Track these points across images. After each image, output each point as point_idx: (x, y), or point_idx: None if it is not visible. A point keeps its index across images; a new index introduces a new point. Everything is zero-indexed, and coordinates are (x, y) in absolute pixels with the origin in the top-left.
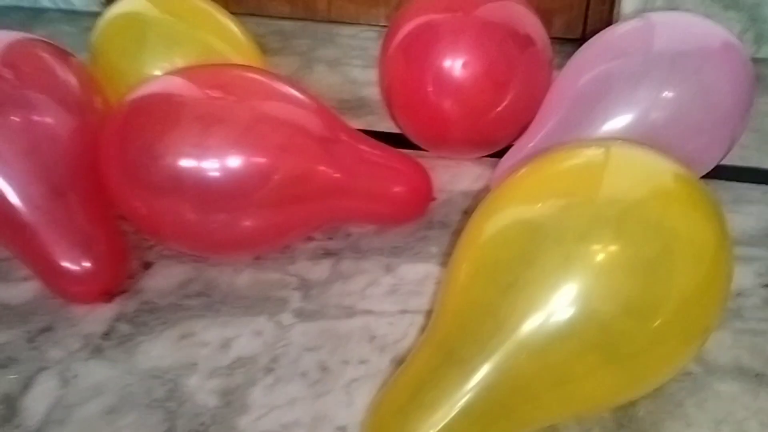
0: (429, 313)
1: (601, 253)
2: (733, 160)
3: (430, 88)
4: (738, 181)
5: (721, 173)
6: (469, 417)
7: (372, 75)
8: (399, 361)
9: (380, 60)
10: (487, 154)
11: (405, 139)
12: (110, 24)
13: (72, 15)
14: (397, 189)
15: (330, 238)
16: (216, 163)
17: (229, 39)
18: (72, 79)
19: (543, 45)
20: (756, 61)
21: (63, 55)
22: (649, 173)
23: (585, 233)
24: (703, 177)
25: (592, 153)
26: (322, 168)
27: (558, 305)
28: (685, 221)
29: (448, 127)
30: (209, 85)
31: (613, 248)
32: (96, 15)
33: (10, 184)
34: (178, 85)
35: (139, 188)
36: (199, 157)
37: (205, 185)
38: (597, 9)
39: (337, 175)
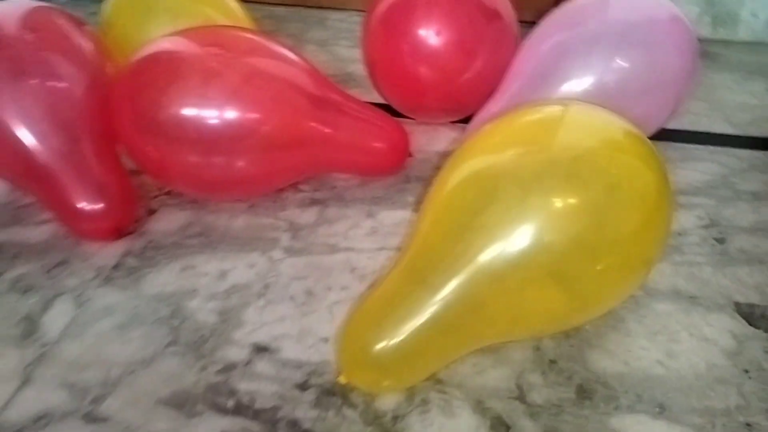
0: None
1: (554, 193)
2: (685, 125)
3: (406, 57)
4: (688, 143)
5: (674, 136)
6: (431, 330)
7: (358, 54)
8: None
9: (363, 34)
10: (459, 119)
11: (388, 109)
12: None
13: (78, 1)
14: (377, 144)
15: (317, 190)
16: (214, 112)
17: (228, 12)
18: (85, 43)
19: (509, 19)
20: (712, 42)
21: (77, 22)
22: (601, 127)
23: (540, 174)
24: (660, 139)
25: (550, 110)
26: (309, 120)
27: (515, 237)
28: (630, 169)
29: (423, 92)
30: (209, 43)
31: (565, 188)
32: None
33: (32, 135)
34: (180, 43)
35: (147, 135)
36: (199, 106)
37: (205, 131)
38: None
39: (323, 128)
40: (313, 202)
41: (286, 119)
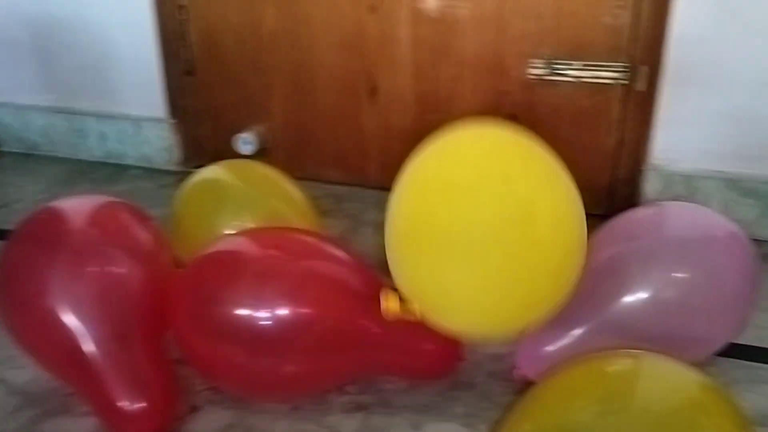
0: None
1: None
2: (750, 340)
3: None
4: (755, 361)
5: (739, 353)
6: None
7: None
8: None
9: None
10: None
11: None
12: (192, 188)
13: (151, 172)
14: (428, 346)
15: (363, 392)
16: (268, 313)
17: (293, 204)
18: (146, 237)
19: None
20: None
21: (141, 215)
22: (678, 385)
23: None
24: (720, 355)
25: (622, 362)
26: (360, 322)
27: None
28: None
29: None
30: (267, 246)
31: None
32: (173, 173)
33: (81, 326)
34: (240, 244)
35: (200, 331)
36: (254, 306)
37: (258, 331)
38: (622, 190)
39: (374, 329)
40: (358, 407)
41: (337, 320)
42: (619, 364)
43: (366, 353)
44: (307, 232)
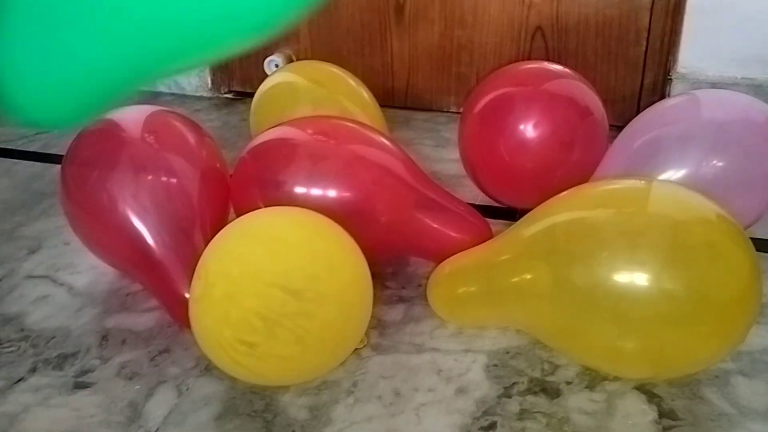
0: (490, 353)
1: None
2: None
3: (504, 152)
4: None
5: (761, 246)
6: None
7: (443, 153)
8: (462, 391)
9: (460, 129)
10: None
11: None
12: (267, 92)
13: (183, 98)
14: (464, 236)
15: (403, 287)
16: (321, 190)
17: (363, 104)
18: (199, 144)
19: (599, 115)
20: None
21: (192, 124)
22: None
23: (644, 233)
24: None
25: (634, 182)
26: (402, 202)
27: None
28: (725, 244)
29: (521, 186)
30: (316, 132)
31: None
32: (205, 99)
33: (147, 228)
34: (291, 132)
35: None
36: (309, 185)
37: (313, 205)
38: (648, 100)
39: (417, 215)
40: (400, 299)
41: (381, 201)
42: (637, 184)
43: (403, 234)
44: (351, 120)
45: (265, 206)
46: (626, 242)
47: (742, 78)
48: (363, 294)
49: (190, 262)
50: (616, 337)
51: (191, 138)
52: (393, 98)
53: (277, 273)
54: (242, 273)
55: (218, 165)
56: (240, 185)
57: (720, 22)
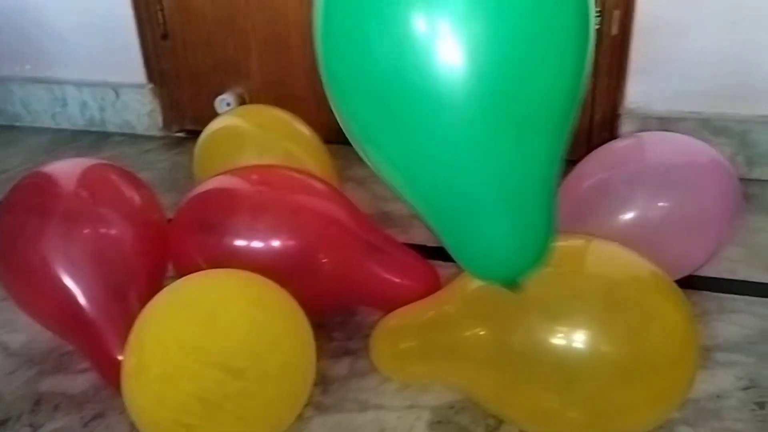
0: (434, 409)
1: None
2: (722, 273)
3: None
4: (725, 292)
5: (710, 285)
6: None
7: None
8: None
9: None
10: None
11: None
12: (211, 136)
13: (134, 138)
14: (410, 282)
15: (350, 338)
16: (262, 243)
17: (309, 148)
18: (135, 196)
19: None
20: (748, 181)
21: (128, 176)
22: (625, 263)
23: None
24: (697, 288)
25: (572, 240)
26: (347, 251)
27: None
28: (660, 306)
29: None
30: (258, 181)
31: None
32: (156, 139)
33: (79, 286)
34: (234, 181)
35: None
36: (250, 238)
37: (254, 259)
38: (599, 135)
39: (361, 262)
40: (346, 352)
41: (324, 251)
42: (572, 241)
43: (346, 283)
44: (293, 169)
45: (204, 260)
46: (562, 305)
47: (689, 112)
48: (306, 366)
49: (125, 321)
50: (556, 401)
51: (126, 190)
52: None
53: (216, 351)
54: (179, 351)
55: (156, 217)
56: (178, 237)
57: (666, 58)
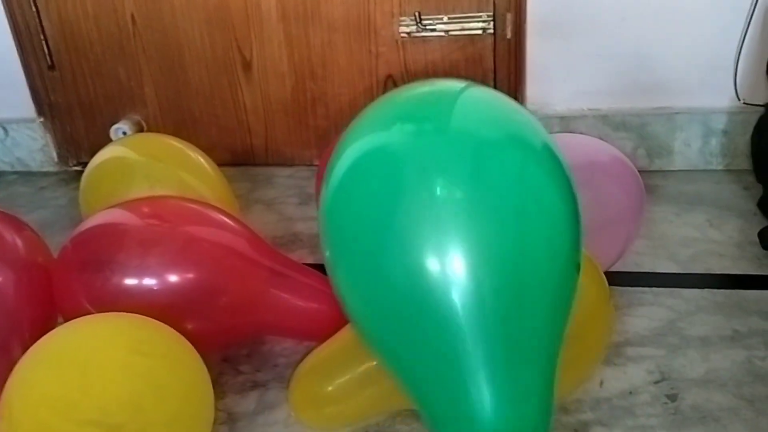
0: None
1: None
2: (629, 266)
3: None
4: (634, 285)
5: (619, 279)
6: None
7: (306, 210)
8: None
9: (318, 185)
10: None
11: None
12: (97, 169)
13: (27, 176)
14: (315, 305)
15: (258, 370)
16: (155, 280)
17: (204, 177)
18: (16, 239)
19: None
20: (649, 173)
21: (9, 218)
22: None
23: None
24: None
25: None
26: (249, 281)
27: None
28: None
29: None
30: (148, 214)
31: None
32: (51, 174)
33: None
34: (120, 215)
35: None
36: (141, 275)
37: (147, 297)
38: None
39: (261, 289)
40: (254, 385)
41: (222, 283)
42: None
43: (254, 315)
44: (188, 200)
45: (90, 303)
46: None
47: (589, 110)
48: (200, 412)
49: (6, 376)
50: None
51: (8, 233)
52: (254, 156)
53: (90, 407)
54: (50, 411)
55: (40, 260)
56: (62, 279)
57: (561, 58)
